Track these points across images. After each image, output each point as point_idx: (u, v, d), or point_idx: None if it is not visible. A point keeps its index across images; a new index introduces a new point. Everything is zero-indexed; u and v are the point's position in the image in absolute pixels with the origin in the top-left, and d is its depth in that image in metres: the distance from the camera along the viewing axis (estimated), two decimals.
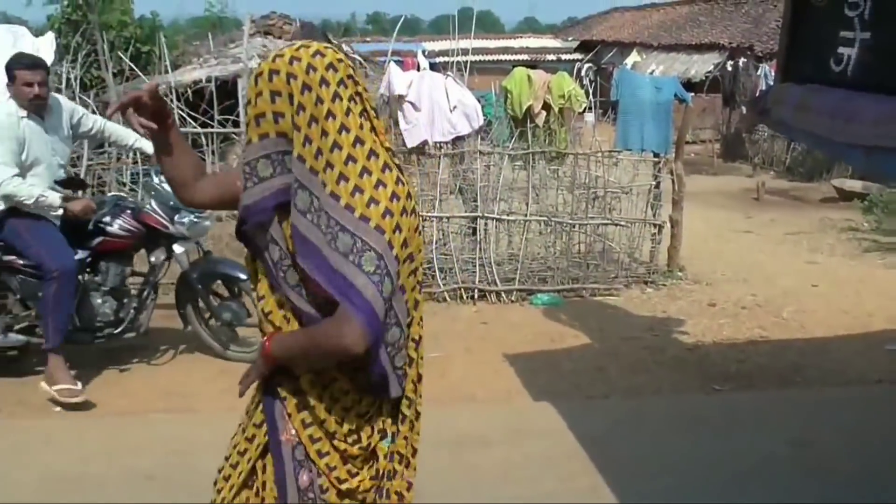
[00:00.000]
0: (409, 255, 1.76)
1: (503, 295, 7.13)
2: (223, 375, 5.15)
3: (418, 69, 7.44)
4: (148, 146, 5.27)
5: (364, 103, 1.75)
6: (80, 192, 5.20)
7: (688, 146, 9.05)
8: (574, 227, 7.41)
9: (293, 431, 1.84)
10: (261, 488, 1.92)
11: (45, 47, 7.28)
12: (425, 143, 7.08)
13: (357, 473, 1.86)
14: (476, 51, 7.84)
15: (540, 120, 7.28)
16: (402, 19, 10.15)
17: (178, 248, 5.29)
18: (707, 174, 16.35)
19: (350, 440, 1.85)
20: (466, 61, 7.49)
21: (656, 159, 7.71)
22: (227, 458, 2.00)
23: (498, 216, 7.24)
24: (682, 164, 7.96)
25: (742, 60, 19.64)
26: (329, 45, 1.82)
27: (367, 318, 1.65)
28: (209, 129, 6.86)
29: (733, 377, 5.38)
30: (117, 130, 5.32)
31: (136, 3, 12.38)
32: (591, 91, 7.84)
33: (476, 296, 7.13)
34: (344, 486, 1.84)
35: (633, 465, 4.03)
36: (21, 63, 4.66)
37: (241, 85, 7.14)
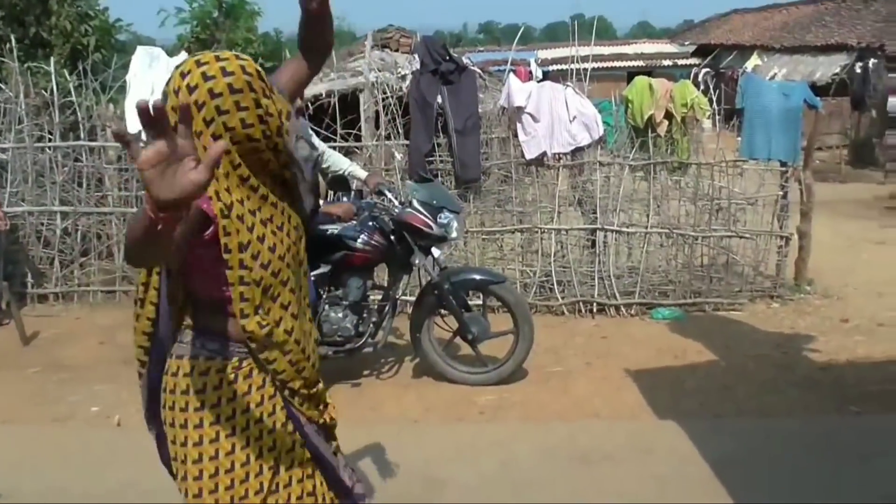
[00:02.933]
0: None
1: (623, 309, 7.02)
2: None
3: (531, 77, 7.38)
4: (361, 173, 5.47)
5: None
6: (341, 195, 5.36)
7: (814, 153, 8.64)
8: (697, 239, 7.21)
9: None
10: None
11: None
12: (544, 154, 7.05)
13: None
14: (591, 58, 7.71)
15: (662, 129, 7.11)
16: (519, 29, 10.07)
17: (436, 251, 5.07)
18: (834, 182, 15.63)
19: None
20: (586, 69, 7.37)
21: (783, 168, 7.41)
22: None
23: (618, 228, 7.12)
24: (811, 174, 7.64)
25: (872, 61, 18.68)
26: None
27: None
28: (332, 143, 7.02)
29: (873, 399, 5.09)
30: (335, 159, 5.45)
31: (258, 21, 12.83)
32: (713, 98, 7.59)
33: (595, 309, 7.04)
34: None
35: (767, 489, 3.90)
36: None
37: (363, 99, 7.27)
